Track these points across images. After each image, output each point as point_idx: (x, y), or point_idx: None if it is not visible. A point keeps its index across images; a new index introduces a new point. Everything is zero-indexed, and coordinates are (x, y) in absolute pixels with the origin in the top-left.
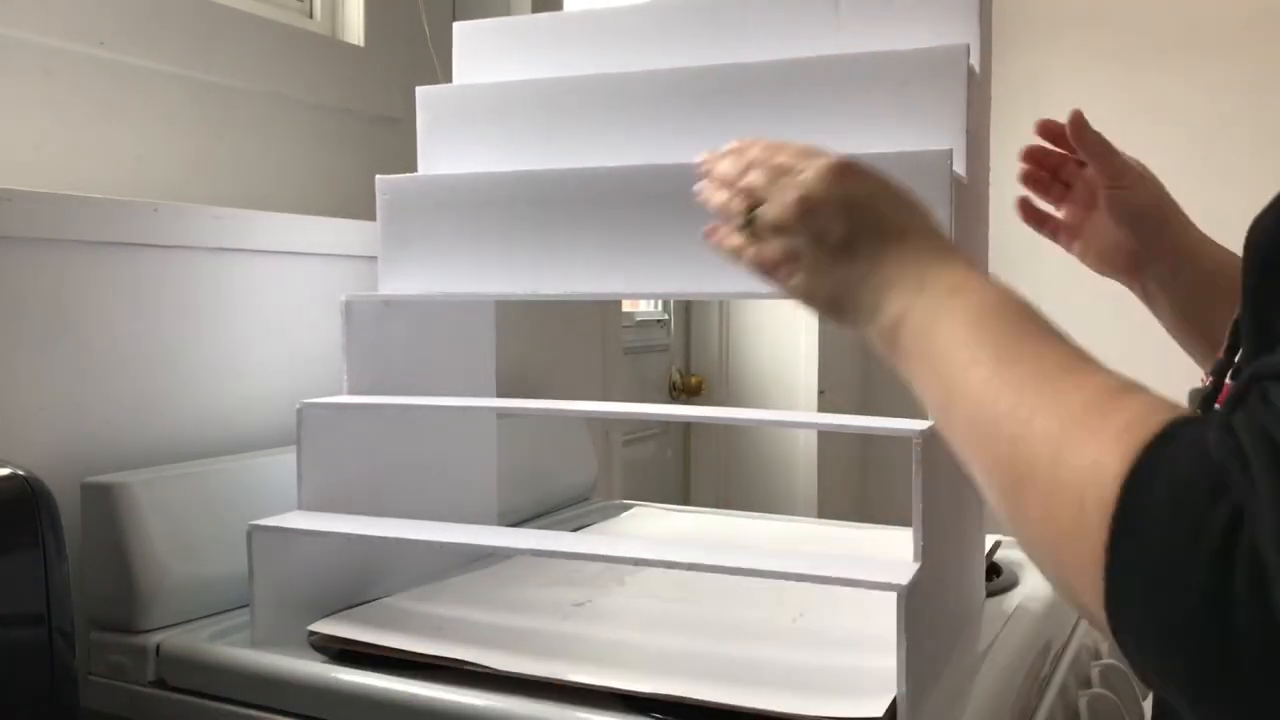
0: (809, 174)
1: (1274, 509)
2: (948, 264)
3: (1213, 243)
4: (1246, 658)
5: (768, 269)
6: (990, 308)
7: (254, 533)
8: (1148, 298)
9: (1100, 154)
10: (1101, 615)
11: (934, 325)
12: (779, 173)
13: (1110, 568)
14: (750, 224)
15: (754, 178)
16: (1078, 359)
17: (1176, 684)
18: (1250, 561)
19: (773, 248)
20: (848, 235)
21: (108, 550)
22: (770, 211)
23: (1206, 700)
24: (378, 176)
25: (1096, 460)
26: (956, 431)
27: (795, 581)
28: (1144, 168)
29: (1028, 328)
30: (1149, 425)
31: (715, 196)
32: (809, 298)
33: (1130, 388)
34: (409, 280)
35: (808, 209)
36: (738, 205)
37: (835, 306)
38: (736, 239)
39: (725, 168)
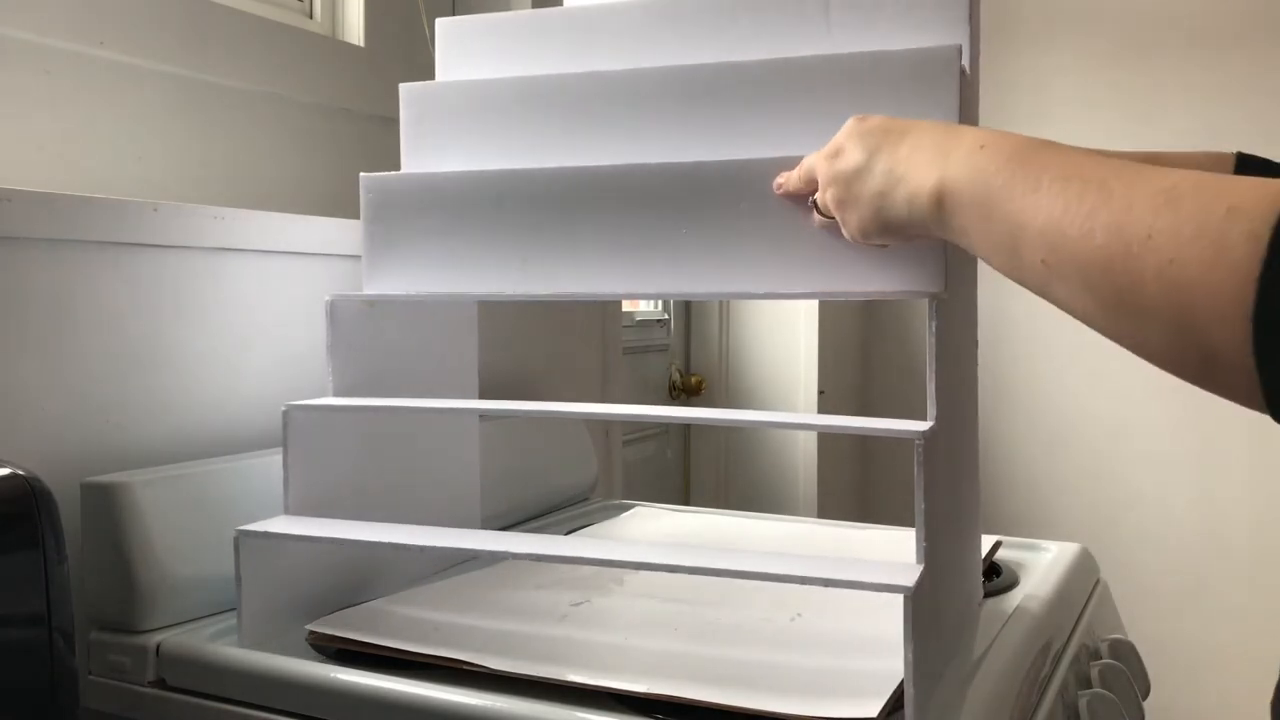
0: (837, 135)
1: None
2: (964, 131)
3: None
4: None
5: (838, 231)
6: (1024, 146)
7: (240, 538)
8: None
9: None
10: (1241, 344)
11: (974, 176)
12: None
13: (1264, 282)
14: (821, 211)
15: (804, 164)
16: (1141, 164)
17: None
18: None
19: (832, 209)
20: (867, 155)
21: (108, 550)
22: (824, 190)
23: None
24: (362, 175)
25: (1233, 207)
26: (1034, 260)
27: (798, 584)
28: None
29: (1078, 150)
30: (1274, 182)
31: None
32: (864, 228)
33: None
34: (394, 280)
35: (836, 155)
36: (810, 201)
37: (884, 221)
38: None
39: (790, 176)
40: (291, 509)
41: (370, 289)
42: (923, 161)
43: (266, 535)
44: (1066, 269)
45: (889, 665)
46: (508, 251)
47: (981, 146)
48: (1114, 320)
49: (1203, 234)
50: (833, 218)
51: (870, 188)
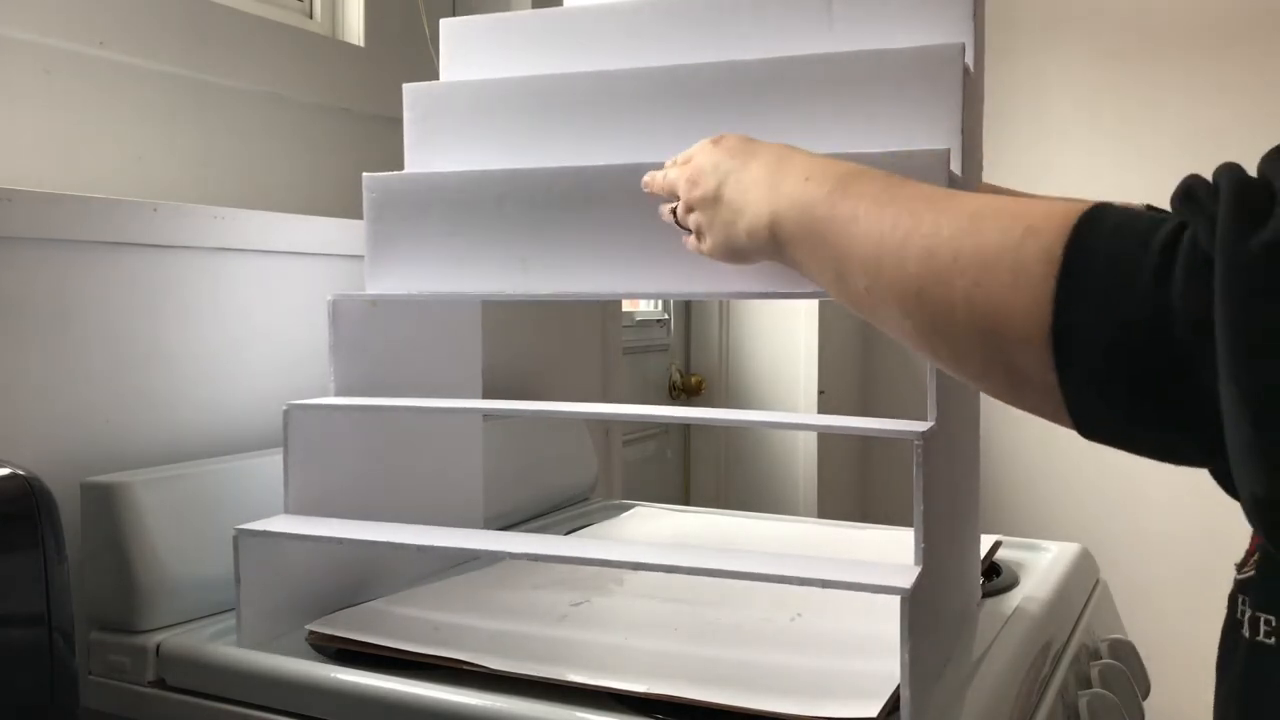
0: (693, 151)
1: (1216, 216)
2: (796, 161)
3: None
4: (1180, 325)
5: (695, 248)
6: (846, 176)
7: (240, 537)
8: None
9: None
10: (1042, 362)
11: (801, 210)
12: (679, 168)
13: (1058, 301)
14: (682, 225)
15: (668, 176)
16: (952, 189)
17: (1118, 399)
18: (1189, 249)
19: (691, 228)
20: (718, 182)
21: (108, 550)
22: (680, 199)
23: (1154, 395)
24: (365, 175)
25: (1030, 227)
26: (858, 288)
27: (797, 585)
28: None
29: (893, 178)
30: (1074, 205)
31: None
32: (722, 254)
33: (1022, 198)
34: (396, 279)
35: (693, 180)
36: (668, 206)
37: (732, 247)
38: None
39: (655, 178)
40: (291, 509)
41: (372, 288)
42: (758, 194)
43: (266, 535)
44: (886, 296)
45: (888, 665)
46: (509, 251)
47: (807, 179)
48: (931, 343)
49: (1002, 256)
50: (688, 230)
51: (720, 216)
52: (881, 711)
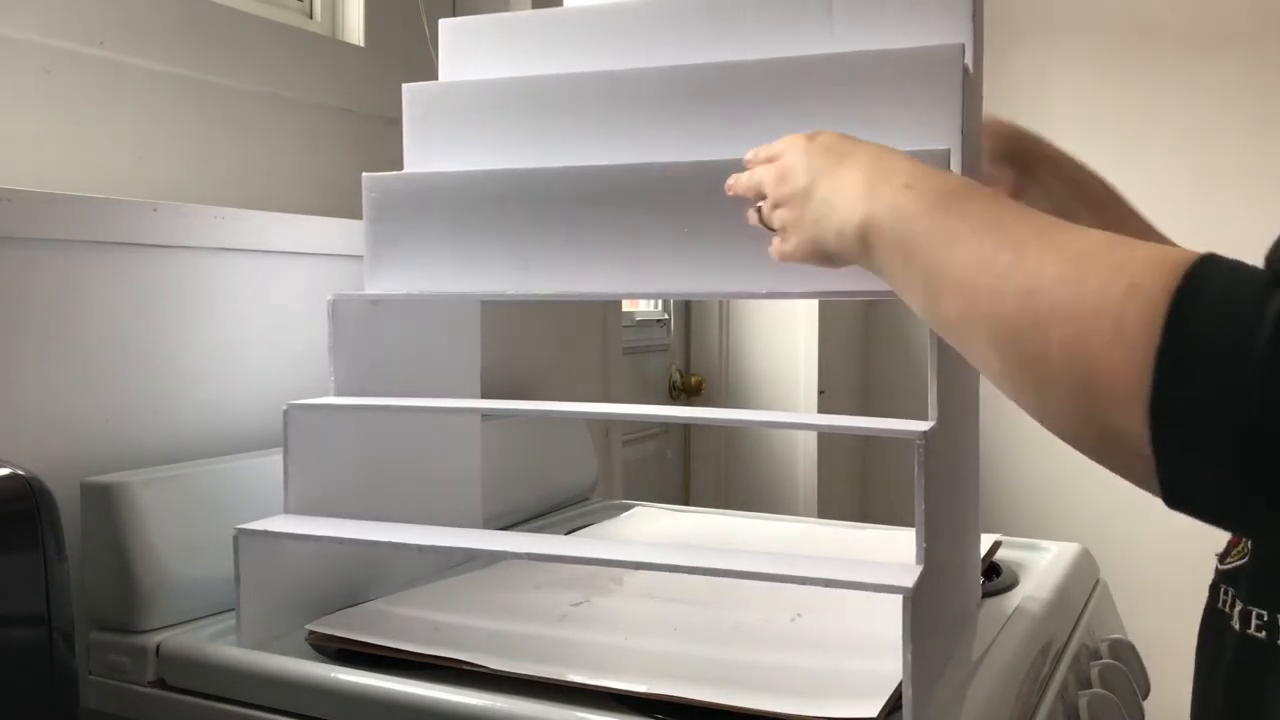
0: (780, 148)
1: None
2: (894, 170)
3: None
4: None
5: (778, 250)
6: (949, 193)
7: (240, 537)
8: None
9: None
10: (1138, 426)
11: (898, 219)
12: (769, 161)
13: (1159, 367)
14: (765, 223)
15: (754, 176)
16: (1061, 220)
17: (1219, 471)
18: None
19: (776, 228)
20: (810, 180)
21: (108, 550)
22: (766, 199)
23: (1258, 484)
24: (364, 174)
25: (1133, 284)
26: (949, 312)
27: (798, 585)
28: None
29: (1000, 201)
30: (1181, 254)
31: (749, 214)
32: (807, 254)
33: (1130, 239)
34: (396, 279)
35: (783, 177)
36: (753, 208)
37: (821, 248)
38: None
39: (739, 179)
40: (291, 508)
41: (372, 288)
42: (853, 194)
43: (266, 534)
44: (978, 326)
45: (889, 665)
46: (508, 251)
47: (907, 186)
48: (1017, 384)
49: (1104, 310)
50: (774, 230)
51: (809, 214)
52: (882, 711)
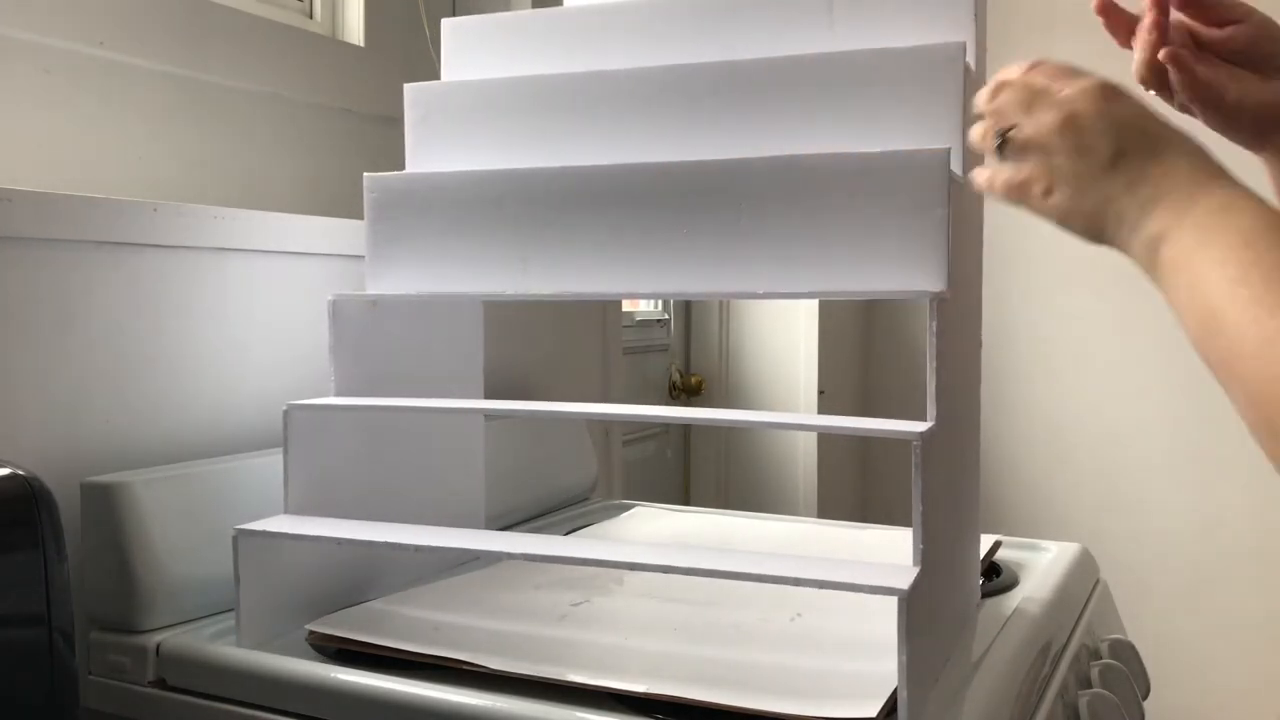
0: (1072, 92)
1: None
2: (1216, 182)
3: None
4: None
5: (1020, 191)
6: (1263, 228)
7: (239, 537)
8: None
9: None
10: None
11: (1200, 243)
12: (1033, 93)
13: None
14: (1004, 146)
15: (1004, 99)
16: None
17: None
18: None
19: (1028, 168)
20: (1115, 151)
21: (108, 550)
22: (1026, 130)
23: None
24: (365, 175)
25: None
26: (1216, 352)
27: (793, 585)
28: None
29: None
30: None
31: (973, 132)
32: (1068, 214)
33: None
34: (397, 280)
35: (1073, 126)
36: (988, 129)
37: (1095, 222)
38: (987, 169)
39: (980, 98)
40: (291, 509)
41: (373, 288)
42: (1166, 196)
43: (265, 534)
44: (1239, 372)
45: (888, 666)
46: (509, 251)
47: (1225, 209)
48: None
49: None
50: (1008, 158)
51: (1104, 189)
52: (880, 712)
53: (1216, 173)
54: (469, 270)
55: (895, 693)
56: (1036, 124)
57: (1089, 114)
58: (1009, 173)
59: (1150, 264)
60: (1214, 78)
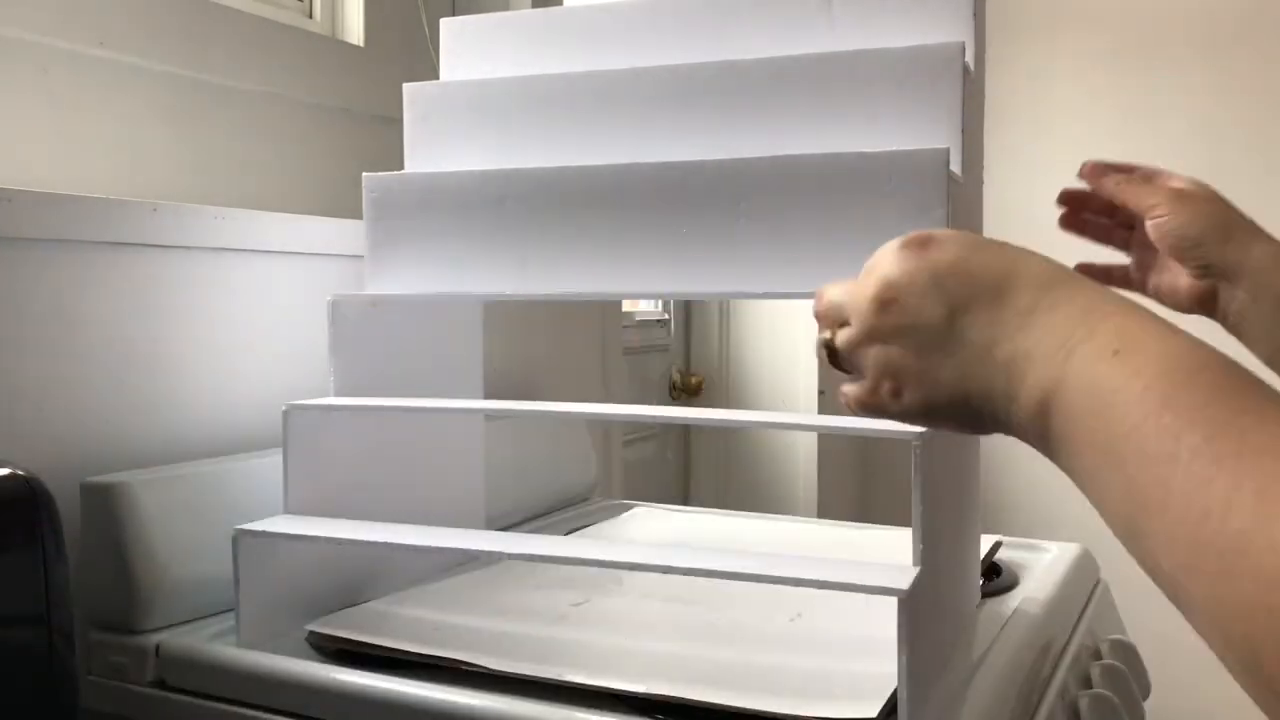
0: (874, 260)
1: None
2: (1095, 312)
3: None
4: None
5: (871, 401)
6: (1175, 370)
7: (239, 537)
8: (1232, 329)
9: (1123, 191)
10: None
11: (1100, 402)
12: (848, 285)
13: None
14: (834, 358)
15: (826, 300)
16: None
17: None
18: None
19: (868, 371)
20: (947, 312)
21: (108, 550)
22: (849, 327)
23: None
24: (365, 174)
25: None
26: (1154, 562)
27: (793, 586)
28: (1194, 184)
29: (1241, 387)
30: None
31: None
32: (929, 410)
33: None
34: (396, 280)
35: (886, 299)
36: (817, 343)
37: (964, 408)
38: (848, 387)
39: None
40: (291, 508)
41: (373, 288)
42: (1038, 352)
43: (265, 535)
44: (1195, 601)
45: (888, 666)
46: (509, 251)
47: (1116, 352)
48: (1258, 698)
49: None
50: (849, 371)
51: (954, 362)
52: (881, 712)
53: (1089, 299)
54: (468, 270)
55: (895, 693)
56: (856, 314)
57: (897, 277)
58: (854, 387)
59: (1042, 439)
60: (1126, 279)
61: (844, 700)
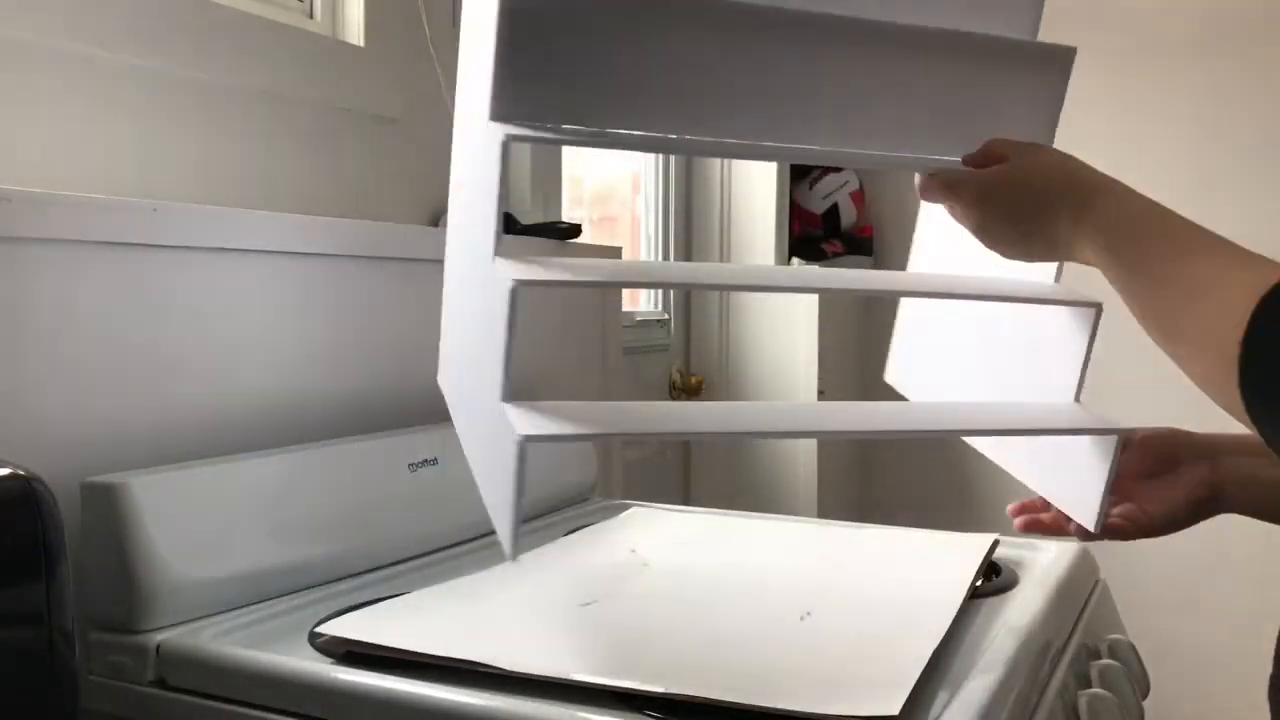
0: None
1: None
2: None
3: (1241, 449)
4: None
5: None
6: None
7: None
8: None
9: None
10: (1238, 396)
11: (1126, 217)
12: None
13: (1245, 352)
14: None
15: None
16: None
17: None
18: None
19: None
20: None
21: (108, 550)
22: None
23: None
24: None
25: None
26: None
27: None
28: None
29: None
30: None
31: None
32: (1010, 179)
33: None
34: (537, 107)
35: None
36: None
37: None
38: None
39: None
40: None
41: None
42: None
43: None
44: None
45: (903, 662)
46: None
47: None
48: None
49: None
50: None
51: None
52: (902, 710)
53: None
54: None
55: (915, 690)
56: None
57: (1016, 153)
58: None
59: (1090, 239)
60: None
61: (861, 698)
